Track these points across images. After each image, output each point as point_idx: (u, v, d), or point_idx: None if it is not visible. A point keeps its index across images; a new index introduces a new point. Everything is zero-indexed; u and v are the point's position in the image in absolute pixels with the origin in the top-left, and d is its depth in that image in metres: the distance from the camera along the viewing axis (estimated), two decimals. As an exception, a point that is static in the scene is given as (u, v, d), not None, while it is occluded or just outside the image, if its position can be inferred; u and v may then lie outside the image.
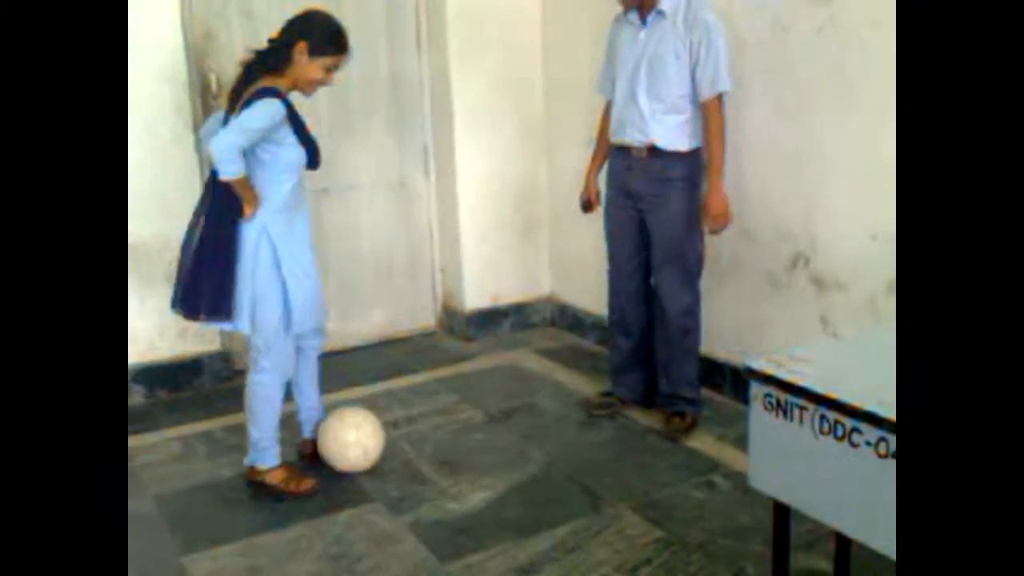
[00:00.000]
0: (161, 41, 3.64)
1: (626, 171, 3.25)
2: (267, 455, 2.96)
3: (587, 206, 3.51)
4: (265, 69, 2.76)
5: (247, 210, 2.73)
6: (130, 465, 3.20)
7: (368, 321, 4.49)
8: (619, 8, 3.20)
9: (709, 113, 3.04)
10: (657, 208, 3.16)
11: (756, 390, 1.83)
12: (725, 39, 3.01)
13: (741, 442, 3.02)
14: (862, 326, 2.94)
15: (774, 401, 1.78)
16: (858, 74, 2.86)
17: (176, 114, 3.72)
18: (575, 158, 4.37)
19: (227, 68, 3.82)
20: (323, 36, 2.78)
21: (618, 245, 3.37)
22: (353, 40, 4.17)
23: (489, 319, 4.59)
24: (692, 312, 3.26)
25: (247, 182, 2.71)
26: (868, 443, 1.59)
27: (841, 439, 1.65)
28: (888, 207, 2.64)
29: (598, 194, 3.48)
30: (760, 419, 1.83)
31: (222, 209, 2.75)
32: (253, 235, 2.76)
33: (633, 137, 3.17)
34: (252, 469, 2.99)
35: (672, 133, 3.10)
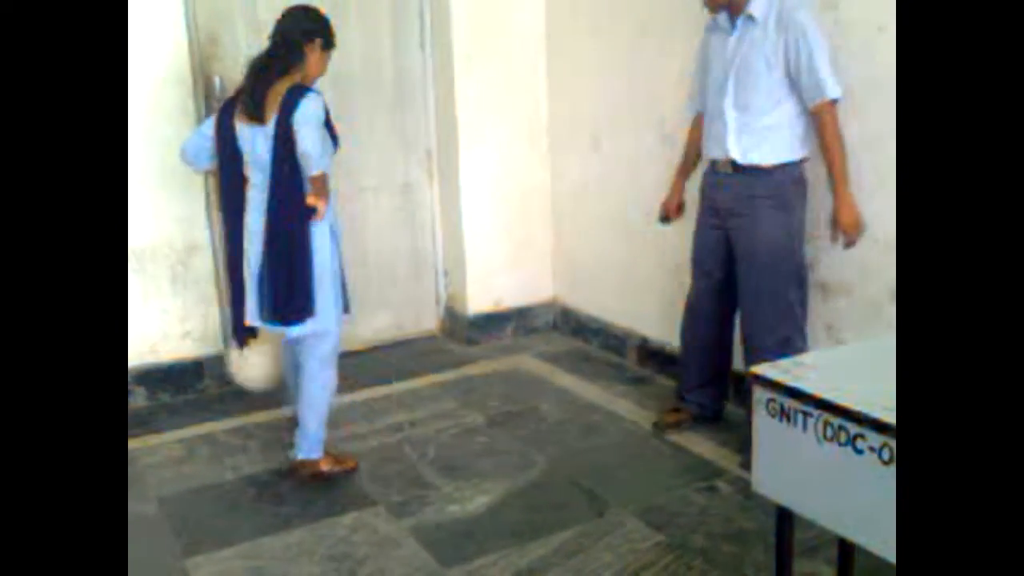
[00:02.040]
0: (166, 45, 3.65)
1: (714, 188, 3.11)
2: (321, 445, 3.06)
3: (664, 217, 3.34)
4: (282, 69, 2.81)
5: (322, 205, 2.85)
6: (133, 468, 3.20)
7: (371, 324, 4.48)
8: (712, 18, 3.05)
9: (821, 121, 2.82)
10: (743, 228, 2.99)
11: (760, 395, 1.82)
12: (823, 37, 2.79)
13: (741, 445, 3.02)
14: (867, 332, 2.93)
15: (778, 407, 1.78)
16: (863, 78, 2.85)
17: (181, 117, 3.72)
18: (580, 162, 4.39)
19: (231, 71, 3.83)
20: (330, 30, 2.94)
21: (701, 262, 3.23)
22: (357, 43, 4.23)
23: (492, 322, 4.59)
24: (789, 342, 2.91)
25: (327, 177, 2.87)
26: (872, 449, 1.59)
27: (845, 445, 1.64)
28: (893, 213, 2.63)
29: (680, 205, 3.30)
30: (764, 424, 1.83)
31: (289, 211, 2.83)
32: (325, 231, 2.91)
33: (716, 151, 3.04)
34: (303, 462, 3.05)
35: (755, 148, 2.92)
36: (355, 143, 4.31)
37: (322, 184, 2.85)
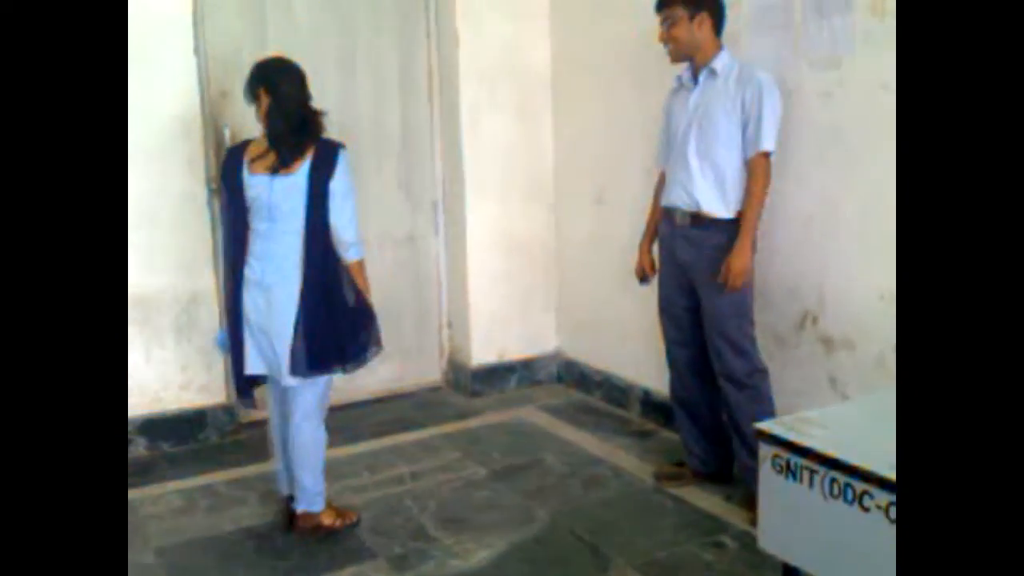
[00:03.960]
0: (178, 98, 3.72)
1: (671, 239, 3.19)
2: (322, 498, 3.03)
3: (643, 278, 3.43)
4: (312, 136, 2.85)
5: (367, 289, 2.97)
6: (133, 517, 3.17)
7: (375, 375, 4.44)
8: (676, 78, 3.19)
9: (751, 170, 2.97)
10: (704, 279, 3.07)
11: (765, 451, 1.81)
12: (779, 100, 2.95)
13: (749, 502, 2.99)
14: (871, 385, 2.92)
15: (784, 463, 1.77)
16: (866, 135, 2.89)
17: (190, 169, 3.77)
18: (584, 215, 4.42)
19: (242, 124, 3.88)
20: None
21: (668, 314, 3.29)
22: (366, 95, 4.30)
23: (495, 375, 4.57)
24: (747, 384, 3.04)
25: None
26: (878, 507, 1.58)
27: (851, 502, 1.63)
28: (894, 268, 2.64)
29: (653, 264, 3.39)
30: (770, 480, 1.82)
31: (333, 260, 2.87)
32: None
33: (680, 198, 3.10)
34: (305, 515, 3.01)
35: (716, 196, 3.02)
36: (362, 195, 4.33)
37: (362, 269, 2.94)
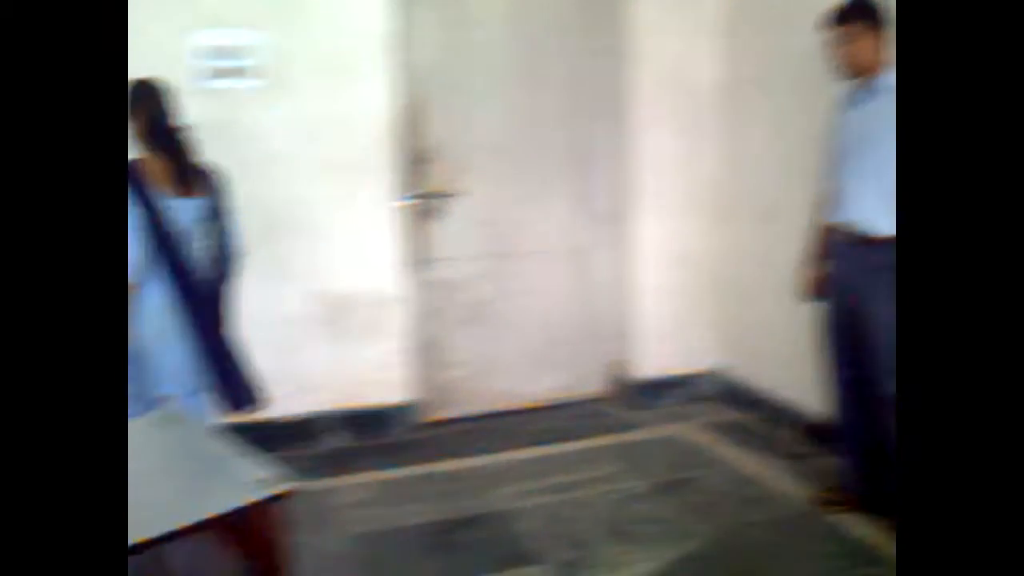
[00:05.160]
0: (376, 108, 4.01)
1: (839, 257, 3.20)
2: None
3: (811, 297, 3.43)
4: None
5: None
6: (330, 503, 3.47)
7: (538, 383, 4.63)
8: (844, 94, 3.18)
9: None
10: (869, 301, 3.04)
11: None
12: None
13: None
14: None
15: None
16: None
17: (386, 176, 4.08)
18: (750, 232, 4.44)
19: (436, 133, 4.15)
20: None
21: (834, 334, 3.27)
22: (539, 111, 4.45)
23: (656, 389, 4.66)
24: None
25: None
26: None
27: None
28: None
29: (820, 282, 3.36)
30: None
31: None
32: None
33: (846, 216, 3.10)
34: None
35: (883, 214, 2.94)
36: (531, 208, 4.50)
37: None
